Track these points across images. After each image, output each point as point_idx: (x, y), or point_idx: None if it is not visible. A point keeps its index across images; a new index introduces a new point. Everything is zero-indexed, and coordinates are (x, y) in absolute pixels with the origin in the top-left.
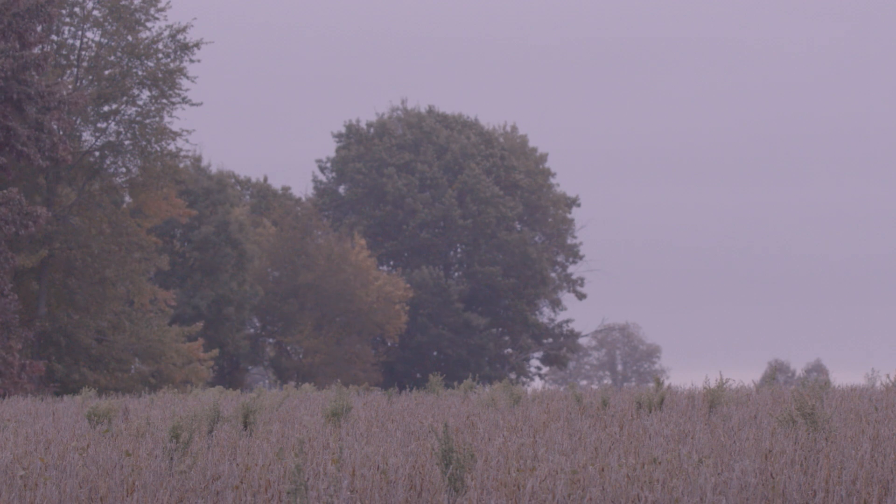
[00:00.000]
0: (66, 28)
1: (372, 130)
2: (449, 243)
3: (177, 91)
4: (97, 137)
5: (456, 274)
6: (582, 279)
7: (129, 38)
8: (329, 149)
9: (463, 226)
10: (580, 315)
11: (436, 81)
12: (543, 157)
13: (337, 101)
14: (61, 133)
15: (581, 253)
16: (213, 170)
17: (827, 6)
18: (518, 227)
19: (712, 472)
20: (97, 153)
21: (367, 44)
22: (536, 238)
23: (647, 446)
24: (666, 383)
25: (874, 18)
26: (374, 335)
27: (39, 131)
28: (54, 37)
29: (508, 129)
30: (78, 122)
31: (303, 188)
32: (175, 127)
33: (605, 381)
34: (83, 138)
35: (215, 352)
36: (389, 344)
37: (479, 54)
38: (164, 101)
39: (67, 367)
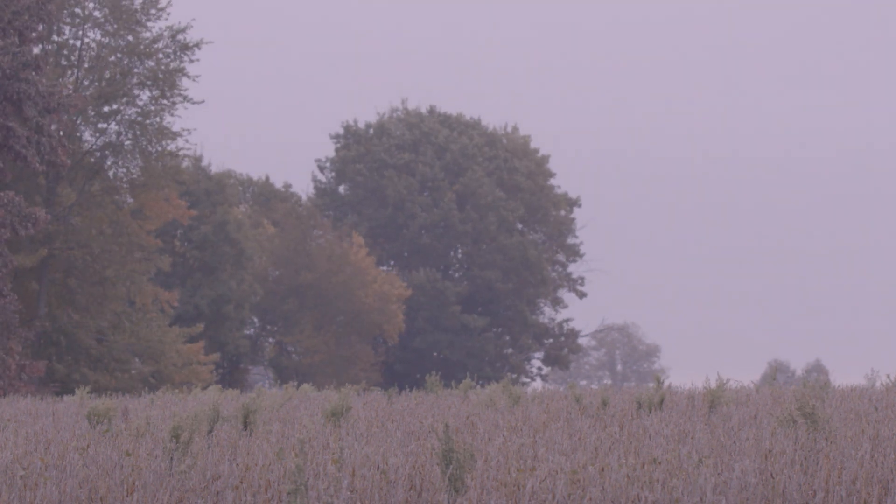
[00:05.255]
0: (67, 28)
1: (371, 131)
2: (449, 245)
3: (177, 91)
4: (97, 138)
5: (456, 275)
6: (582, 278)
7: (130, 38)
8: (328, 148)
9: (462, 230)
10: (580, 315)
11: (438, 83)
12: (545, 159)
13: (338, 101)
14: (61, 134)
15: (581, 252)
16: (214, 169)
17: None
18: (519, 227)
19: (712, 472)
20: (98, 154)
21: (369, 44)
22: (537, 237)
23: (647, 446)
24: (665, 383)
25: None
26: (374, 335)
27: (39, 134)
28: (55, 37)
29: (510, 129)
30: (79, 122)
31: (304, 187)
32: (176, 126)
33: (605, 381)
34: (84, 139)
35: (216, 356)
36: (389, 344)
37: (481, 57)
38: (165, 101)
39: (68, 367)
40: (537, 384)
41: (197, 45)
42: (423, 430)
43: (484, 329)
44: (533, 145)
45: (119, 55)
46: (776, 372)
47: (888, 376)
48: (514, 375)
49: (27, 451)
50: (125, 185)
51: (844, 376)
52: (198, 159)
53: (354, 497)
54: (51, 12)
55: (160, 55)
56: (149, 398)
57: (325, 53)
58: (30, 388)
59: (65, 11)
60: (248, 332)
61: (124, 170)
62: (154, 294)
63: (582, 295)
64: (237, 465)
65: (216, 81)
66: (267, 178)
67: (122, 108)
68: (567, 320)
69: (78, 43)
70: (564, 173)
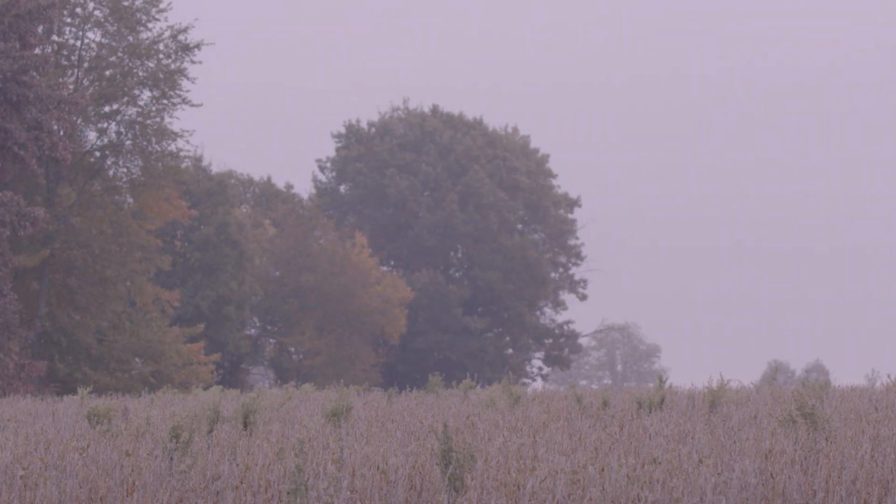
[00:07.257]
0: (68, 28)
1: (373, 130)
2: (449, 246)
3: (177, 92)
4: (98, 137)
5: (457, 275)
6: (584, 280)
7: (130, 38)
8: (330, 149)
9: (464, 231)
10: (580, 315)
11: (438, 83)
12: (545, 158)
13: (338, 101)
14: (61, 132)
15: (582, 254)
16: (215, 169)
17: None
18: (519, 228)
19: (712, 472)
20: (98, 153)
21: (369, 44)
22: (537, 238)
23: (647, 446)
24: (666, 383)
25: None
26: (375, 336)
27: (39, 130)
28: (55, 37)
29: (510, 130)
30: (79, 122)
31: (305, 187)
32: (175, 127)
33: (605, 381)
34: (84, 138)
35: (216, 356)
36: (390, 345)
37: (480, 56)
38: (165, 101)
39: (68, 367)
40: (538, 384)
41: (198, 46)
42: (423, 430)
43: (485, 330)
44: (533, 145)
45: (119, 55)
46: (776, 372)
47: (888, 376)
48: (515, 377)
49: (27, 451)
50: (125, 185)
51: (844, 376)
52: (198, 159)
53: (354, 497)
54: (51, 15)
55: (161, 55)
56: (149, 398)
57: (328, 53)
58: (30, 387)
59: (65, 11)
60: (248, 332)
61: (125, 170)
62: (155, 294)
63: (583, 297)
64: (237, 465)
65: (219, 81)
66: (269, 179)
67: (122, 108)
68: (568, 322)
69: (78, 43)
70: (564, 173)
